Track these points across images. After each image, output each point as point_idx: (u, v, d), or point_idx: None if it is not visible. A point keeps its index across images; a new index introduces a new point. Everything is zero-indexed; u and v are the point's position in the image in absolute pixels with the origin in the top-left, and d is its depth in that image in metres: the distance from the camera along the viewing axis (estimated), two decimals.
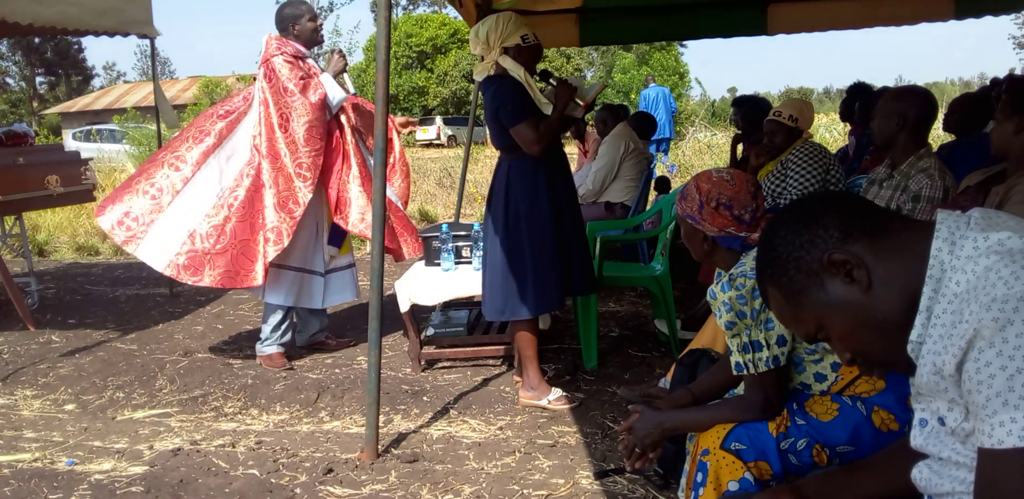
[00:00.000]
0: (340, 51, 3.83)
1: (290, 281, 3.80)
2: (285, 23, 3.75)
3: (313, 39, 3.80)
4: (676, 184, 8.97)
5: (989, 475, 0.93)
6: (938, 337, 0.98)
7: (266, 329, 3.87)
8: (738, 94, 8.31)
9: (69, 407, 3.49)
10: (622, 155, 5.09)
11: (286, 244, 3.64)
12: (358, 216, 3.73)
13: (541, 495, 2.45)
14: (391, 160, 4.00)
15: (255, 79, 3.78)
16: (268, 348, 3.86)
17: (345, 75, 3.79)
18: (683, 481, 1.77)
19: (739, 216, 1.73)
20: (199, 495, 2.53)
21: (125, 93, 29.21)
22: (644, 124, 5.93)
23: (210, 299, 5.45)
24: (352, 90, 3.82)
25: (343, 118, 3.81)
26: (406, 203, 4.17)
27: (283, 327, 3.87)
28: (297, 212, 3.64)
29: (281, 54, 3.65)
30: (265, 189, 3.64)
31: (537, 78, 3.13)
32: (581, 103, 3.09)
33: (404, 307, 3.58)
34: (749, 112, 4.96)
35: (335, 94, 3.70)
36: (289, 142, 3.61)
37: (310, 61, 3.79)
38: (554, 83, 3.10)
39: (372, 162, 3.75)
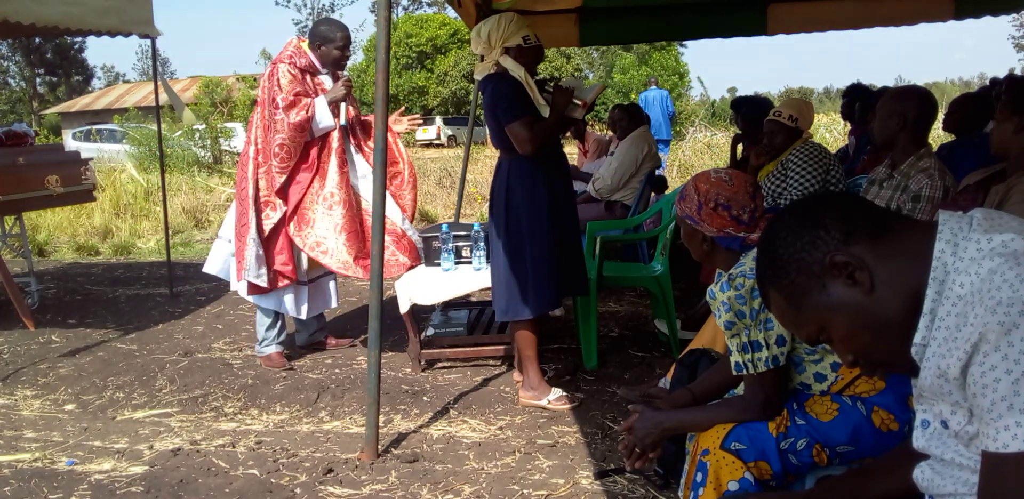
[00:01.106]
0: (348, 79, 3.78)
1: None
2: (314, 40, 3.73)
3: (333, 66, 3.77)
4: (672, 183, 8.97)
5: (993, 479, 0.93)
6: (942, 340, 0.97)
7: (260, 330, 3.87)
8: (738, 94, 8.31)
9: (69, 407, 3.49)
10: (643, 156, 5.11)
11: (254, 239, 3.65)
12: (315, 240, 3.67)
13: (541, 495, 2.45)
14: (400, 170, 3.94)
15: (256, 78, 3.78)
16: (267, 349, 3.86)
17: (343, 104, 3.72)
18: (683, 481, 1.77)
19: (737, 216, 1.73)
20: (199, 495, 2.53)
21: (125, 93, 29.22)
22: None
23: (210, 299, 5.46)
24: (344, 122, 3.73)
25: (334, 138, 3.70)
26: (412, 215, 4.11)
27: (276, 327, 3.87)
28: (271, 218, 3.65)
29: (290, 63, 3.63)
30: (248, 185, 3.65)
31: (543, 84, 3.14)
32: (579, 103, 3.08)
33: (404, 308, 3.58)
34: (749, 112, 4.96)
35: (322, 119, 3.63)
36: (264, 151, 3.62)
37: (322, 77, 3.77)
38: (550, 90, 3.10)
39: (360, 187, 3.77)
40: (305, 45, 3.73)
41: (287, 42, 3.72)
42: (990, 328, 0.90)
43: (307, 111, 3.59)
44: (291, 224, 3.68)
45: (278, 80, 3.59)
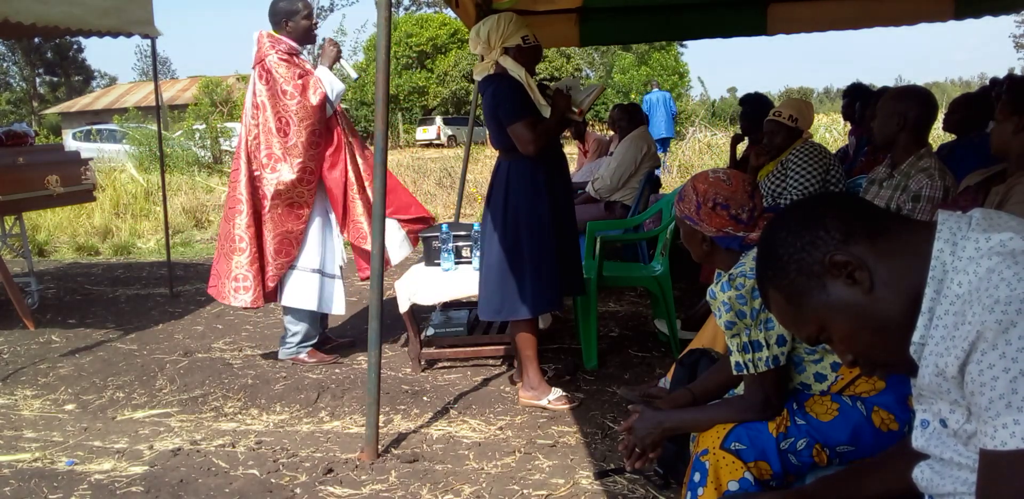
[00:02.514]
0: (331, 39, 3.78)
1: (313, 284, 3.79)
2: (278, 17, 3.66)
3: (306, 38, 3.72)
4: (672, 183, 8.97)
5: (991, 477, 0.93)
6: (940, 338, 0.98)
7: (301, 331, 3.85)
8: (738, 94, 8.31)
9: (69, 407, 3.49)
10: (642, 156, 5.11)
11: (296, 254, 3.70)
12: (362, 229, 3.75)
13: (541, 495, 2.45)
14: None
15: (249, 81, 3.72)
16: (303, 350, 3.88)
17: (343, 61, 3.73)
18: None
19: (736, 215, 1.73)
20: (199, 495, 2.53)
21: (125, 93, 29.20)
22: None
23: (210, 299, 5.43)
24: (355, 75, 3.76)
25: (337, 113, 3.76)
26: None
27: (314, 331, 3.90)
28: (304, 217, 3.66)
29: (275, 52, 3.59)
30: (267, 200, 3.63)
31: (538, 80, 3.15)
32: (576, 111, 3.10)
33: (404, 307, 3.58)
34: (752, 111, 4.96)
35: (335, 87, 3.64)
36: (291, 146, 3.57)
37: (303, 56, 3.75)
38: (551, 94, 3.10)
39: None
40: (272, 32, 3.69)
41: (256, 39, 3.64)
42: (988, 326, 0.90)
43: (320, 86, 3.58)
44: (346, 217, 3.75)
45: (275, 72, 3.54)
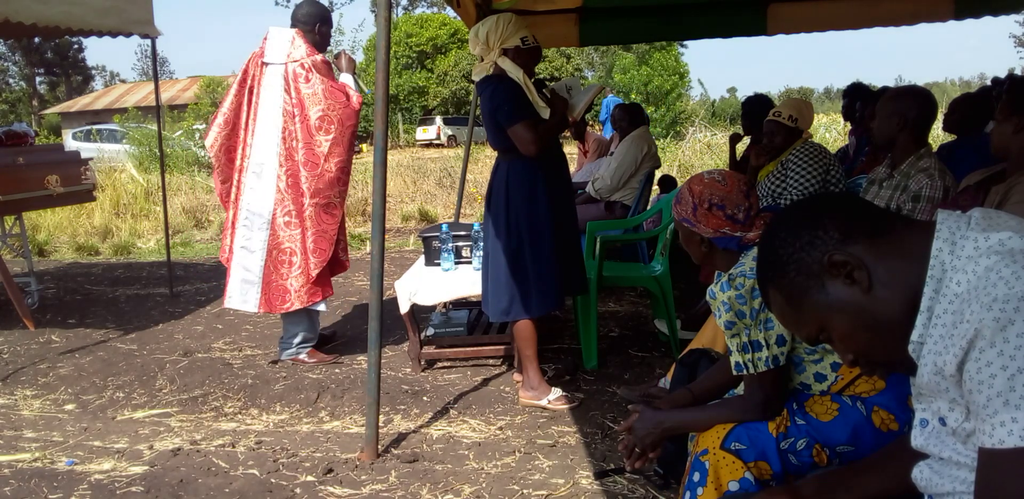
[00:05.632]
0: (345, 51, 3.82)
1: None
2: (312, 20, 3.62)
3: (323, 46, 3.74)
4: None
5: (990, 475, 0.93)
6: (939, 337, 0.98)
7: (300, 332, 3.85)
8: (738, 94, 8.32)
9: (69, 407, 3.49)
10: (643, 156, 5.11)
11: (330, 253, 3.72)
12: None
13: (541, 495, 2.45)
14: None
15: (249, 77, 3.63)
16: (303, 350, 3.87)
17: (357, 76, 3.79)
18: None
19: (732, 215, 1.74)
20: (199, 495, 2.53)
21: (125, 93, 29.21)
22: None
23: (210, 299, 5.45)
24: (366, 90, 3.82)
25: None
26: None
27: (313, 331, 3.90)
28: (338, 216, 3.68)
29: (317, 54, 3.58)
30: (306, 198, 3.62)
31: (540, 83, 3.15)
32: (570, 118, 3.12)
33: (404, 308, 3.58)
34: (751, 111, 4.95)
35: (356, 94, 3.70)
36: (334, 144, 3.55)
37: None
38: (548, 95, 3.10)
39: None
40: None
41: (293, 36, 3.56)
42: (986, 324, 0.90)
43: (353, 92, 3.63)
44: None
45: (324, 73, 3.53)
